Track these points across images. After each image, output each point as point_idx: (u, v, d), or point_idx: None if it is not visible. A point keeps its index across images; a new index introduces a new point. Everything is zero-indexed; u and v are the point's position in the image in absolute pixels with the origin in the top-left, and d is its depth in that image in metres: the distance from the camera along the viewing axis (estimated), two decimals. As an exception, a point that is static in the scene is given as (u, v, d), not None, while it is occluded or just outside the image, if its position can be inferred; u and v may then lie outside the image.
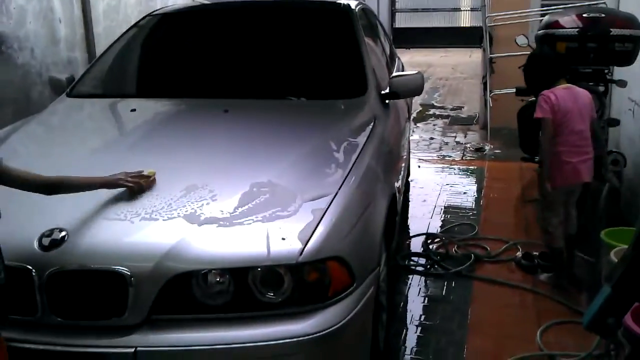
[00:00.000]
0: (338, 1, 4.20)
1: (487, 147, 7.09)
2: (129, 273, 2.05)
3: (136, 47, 4.05)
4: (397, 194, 3.30)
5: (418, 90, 3.56)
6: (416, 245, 4.41)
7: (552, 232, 3.73)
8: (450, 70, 13.73)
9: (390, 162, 3.25)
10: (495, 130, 7.36)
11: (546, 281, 3.81)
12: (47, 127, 3.34)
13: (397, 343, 3.19)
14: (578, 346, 3.02)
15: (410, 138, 6.02)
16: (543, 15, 6.11)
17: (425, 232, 4.59)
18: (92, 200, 2.29)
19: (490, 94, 7.29)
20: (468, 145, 7.25)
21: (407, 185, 5.31)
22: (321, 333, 2.08)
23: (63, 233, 2.15)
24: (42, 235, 2.14)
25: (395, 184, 3.27)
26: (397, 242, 3.83)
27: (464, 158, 6.79)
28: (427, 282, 3.91)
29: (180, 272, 2.07)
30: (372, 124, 3.10)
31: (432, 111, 9.39)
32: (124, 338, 2.05)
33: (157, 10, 4.43)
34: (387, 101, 3.51)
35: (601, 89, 4.68)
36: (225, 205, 2.30)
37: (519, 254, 4.12)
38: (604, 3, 5.98)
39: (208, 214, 2.25)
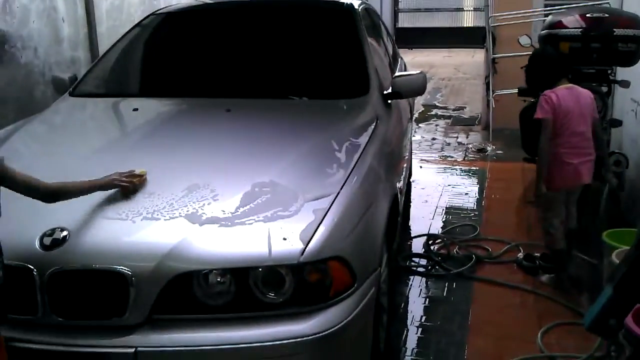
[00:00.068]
0: (341, 1, 4.20)
1: (489, 148, 7.09)
2: (130, 273, 2.05)
3: (139, 47, 4.05)
4: (399, 195, 3.30)
5: (420, 90, 3.55)
6: (417, 246, 4.40)
7: (553, 234, 3.73)
8: (452, 70, 13.71)
9: (392, 162, 3.25)
10: (497, 131, 7.35)
11: (547, 282, 3.81)
12: (50, 127, 3.34)
13: (397, 344, 3.19)
14: (579, 347, 3.02)
15: (412, 138, 6.02)
16: (546, 15, 6.12)
17: (426, 232, 4.59)
18: (93, 199, 2.29)
19: (492, 94, 7.28)
20: (470, 146, 7.25)
21: (408, 185, 5.31)
22: (322, 334, 2.08)
23: (64, 232, 2.15)
24: (44, 235, 2.14)
25: (397, 184, 3.27)
26: (398, 243, 3.83)
27: (465, 159, 6.78)
28: (428, 283, 3.90)
29: (181, 272, 2.07)
30: (374, 124, 3.10)
31: (434, 111, 9.39)
32: (124, 338, 2.05)
33: (160, 9, 4.43)
34: (389, 101, 3.51)
35: (604, 89, 4.67)
36: (226, 205, 2.30)
37: (520, 255, 4.11)
38: (608, 3, 5.98)
39: (209, 214, 2.25)
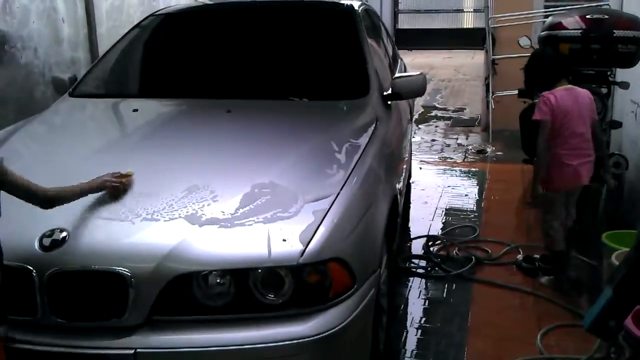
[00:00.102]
0: (341, 2, 4.21)
1: (488, 149, 7.09)
2: (129, 274, 2.04)
3: (139, 48, 4.05)
4: (399, 196, 3.30)
5: (420, 92, 3.55)
6: (417, 247, 4.40)
7: (552, 235, 3.72)
8: (452, 71, 13.72)
9: (392, 163, 3.25)
10: (497, 132, 7.35)
11: (547, 284, 3.81)
12: (49, 127, 3.34)
13: (397, 345, 3.19)
14: (578, 349, 3.02)
15: (412, 139, 6.02)
16: (546, 16, 6.12)
17: (426, 234, 4.59)
18: (92, 200, 2.29)
19: (492, 95, 7.28)
20: (470, 147, 7.25)
21: (408, 187, 5.30)
22: (322, 335, 2.07)
23: (64, 233, 2.15)
24: (43, 236, 2.14)
25: (397, 185, 3.27)
26: (398, 244, 3.82)
27: (465, 160, 6.79)
28: (428, 284, 3.90)
29: (180, 273, 2.06)
30: (374, 125, 3.10)
31: (434, 113, 9.40)
32: (124, 339, 2.04)
33: (159, 10, 4.43)
34: (389, 102, 3.51)
35: (604, 90, 4.67)
36: (226, 206, 2.30)
37: (519, 256, 4.11)
38: (608, 4, 5.97)
39: (209, 215, 2.25)
